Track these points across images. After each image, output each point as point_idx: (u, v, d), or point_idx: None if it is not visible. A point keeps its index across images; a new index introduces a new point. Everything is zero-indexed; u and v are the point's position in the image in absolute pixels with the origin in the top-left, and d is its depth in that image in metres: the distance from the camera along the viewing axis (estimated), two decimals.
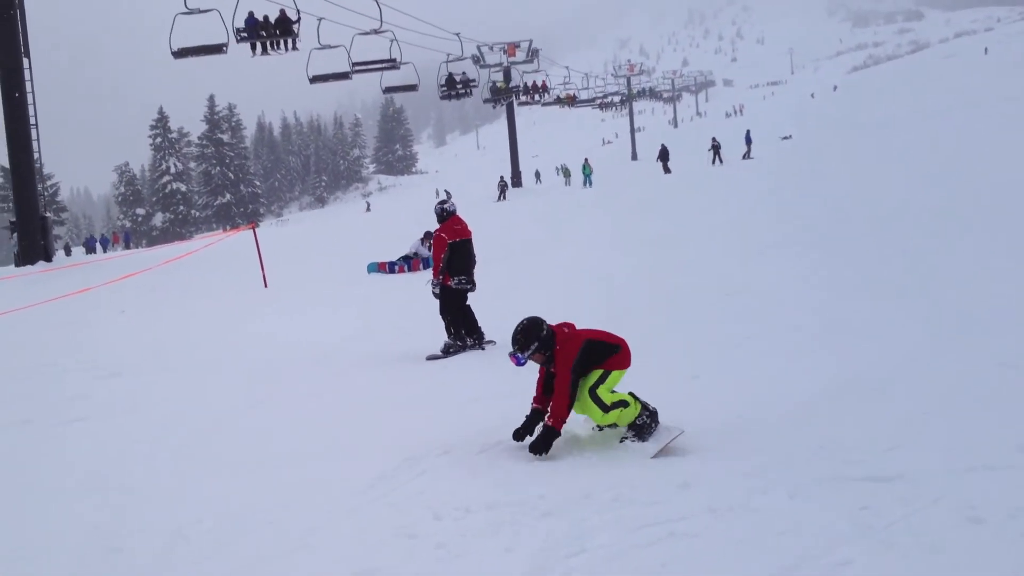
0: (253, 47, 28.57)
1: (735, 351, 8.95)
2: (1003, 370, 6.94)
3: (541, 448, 6.09)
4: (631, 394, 6.33)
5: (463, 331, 10.39)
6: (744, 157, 45.66)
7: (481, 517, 5.04)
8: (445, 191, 63.39)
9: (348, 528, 5.07)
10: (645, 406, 6.30)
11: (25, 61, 25.36)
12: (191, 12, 25.44)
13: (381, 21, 30.02)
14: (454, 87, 45.79)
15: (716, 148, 46.47)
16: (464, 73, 47.39)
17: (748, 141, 48.76)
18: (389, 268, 19.36)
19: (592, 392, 6.18)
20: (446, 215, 10.54)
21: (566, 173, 62.61)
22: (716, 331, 10.00)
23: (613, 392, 6.23)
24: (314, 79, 30.91)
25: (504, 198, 48.50)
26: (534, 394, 6.46)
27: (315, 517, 5.24)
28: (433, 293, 10.40)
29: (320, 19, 28.95)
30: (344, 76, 30.83)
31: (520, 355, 6.33)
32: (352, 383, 9.23)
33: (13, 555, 5.01)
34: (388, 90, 36.51)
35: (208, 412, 8.30)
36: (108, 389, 9.47)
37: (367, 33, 31.03)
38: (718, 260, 14.90)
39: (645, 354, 9.27)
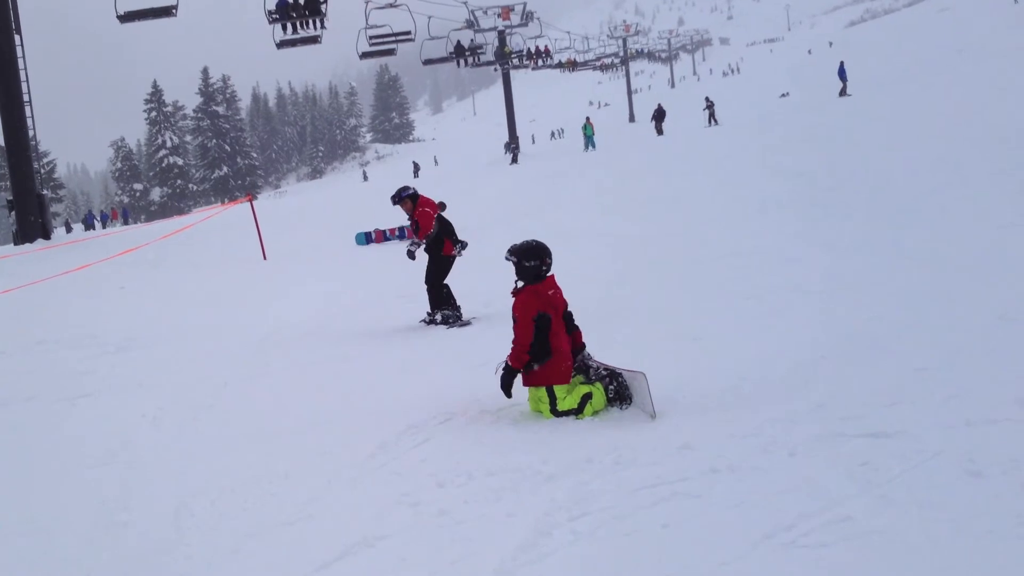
0: (284, 28, 29.24)
1: (736, 312, 8.97)
2: (1003, 323, 6.96)
3: (503, 386, 6.37)
4: (582, 382, 6.41)
5: (452, 301, 10.50)
6: (841, 94, 41.06)
7: (483, 483, 5.06)
8: (413, 162, 62.77)
9: (351, 497, 5.10)
10: (603, 378, 6.36)
11: (16, 38, 25.16)
12: None
13: None
14: (463, 54, 46.10)
15: (711, 108, 45.59)
16: (472, 40, 47.58)
17: (843, 76, 42.93)
18: (384, 237, 19.41)
19: (555, 412, 6.25)
20: (416, 196, 10.68)
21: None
22: (717, 292, 10.02)
23: (571, 396, 6.27)
24: (281, 44, 30.60)
25: (516, 161, 47.39)
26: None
27: (317, 487, 5.27)
28: (411, 253, 10.48)
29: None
30: (313, 40, 30.44)
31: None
32: (353, 352, 9.26)
33: (22, 530, 5.05)
34: (365, 55, 36.17)
35: (210, 385, 8.33)
36: (111, 364, 9.50)
37: (383, 7, 31.74)
38: (718, 221, 14.89)
39: (647, 317, 9.34)
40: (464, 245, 10.69)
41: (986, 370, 5.85)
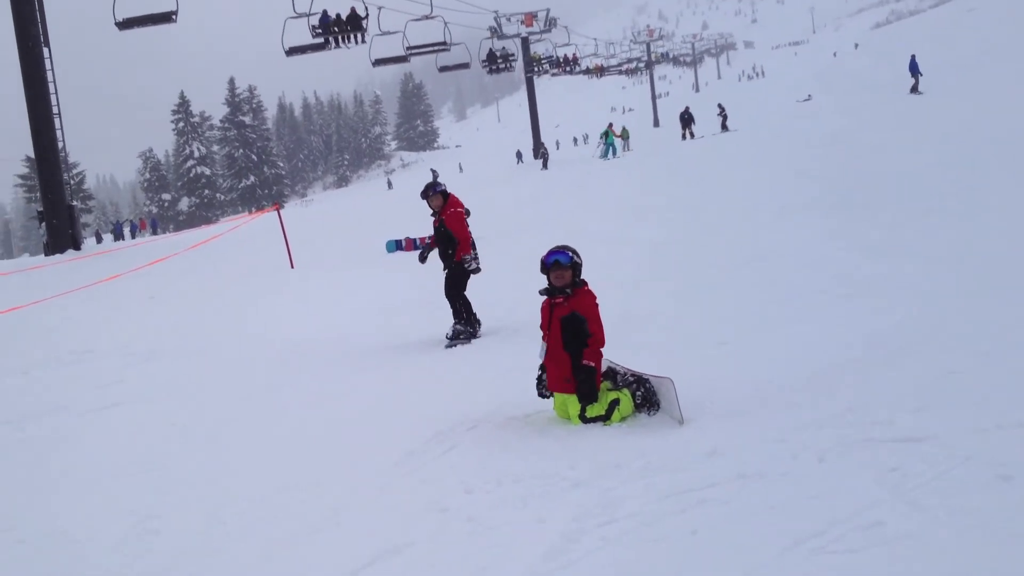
0: (327, 41, 31.10)
1: (761, 316, 8.92)
2: None
3: (590, 392, 6.16)
4: (609, 388, 6.35)
5: (472, 315, 10.07)
6: (912, 90, 37.07)
7: (511, 489, 5.07)
8: (432, 170, 63.23)
9: (380, 504, 5.12)
10: (630, 384, 6.32)
11: (45, 50, 25.44)
12: None
13: (432, 7, 33.18)
14: (495, 62, 47.97)
15: (723, 115, 45.22)
16: (504, 48, 48.62)
17: (915, 71, 37.85)
18: (415, 246, 19.35)
19: (584, 419, 6.20)
20: (447, 193, 10.14)
21: (624, 136, 52.58)
22: (741, 296, 9.97)
23: (599, 402, 6.21)
24: (290, 51, 31.32)
25: (546, 167, 46.60)
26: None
27: (347, 494, 5.30)
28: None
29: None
30: (322, 48, 31.35)
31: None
32: (379, 360, 9.29)
33: (53, 540, 5.11)
34: (378, 62, 36.63)
35: (240, 393, 8.40)
36: (141, 374, 9.59)
37: (419, 19, 33.81)
38: (741, 224, 14.82)
39: (672, 322, 9.32)
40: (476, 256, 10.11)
41: (1016, 372, 5.77)
